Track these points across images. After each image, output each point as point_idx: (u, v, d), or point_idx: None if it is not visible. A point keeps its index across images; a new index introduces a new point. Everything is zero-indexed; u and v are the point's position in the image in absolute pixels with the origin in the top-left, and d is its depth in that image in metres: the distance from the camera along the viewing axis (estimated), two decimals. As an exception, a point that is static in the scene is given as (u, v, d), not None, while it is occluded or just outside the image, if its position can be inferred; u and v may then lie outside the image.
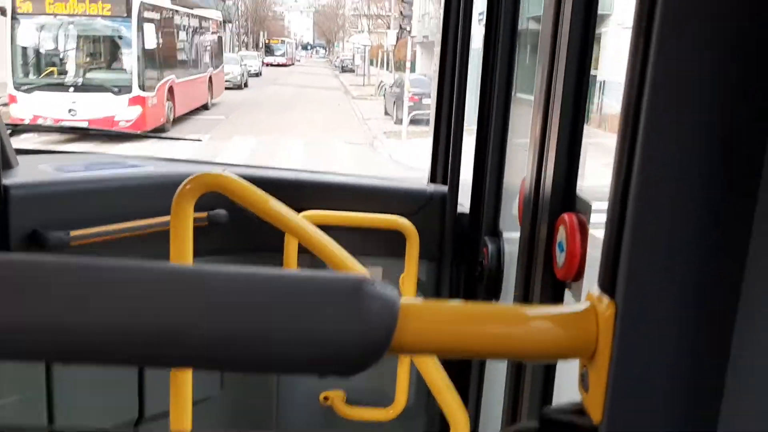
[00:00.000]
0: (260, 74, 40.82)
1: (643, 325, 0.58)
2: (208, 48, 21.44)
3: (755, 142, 0.56)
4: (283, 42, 63.76)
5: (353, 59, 51.56)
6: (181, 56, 18.23)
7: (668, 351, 0.59)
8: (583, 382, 0.62)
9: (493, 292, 1.84)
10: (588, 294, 0.62)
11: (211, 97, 21.45)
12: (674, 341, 0.59)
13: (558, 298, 1.34)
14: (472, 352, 0.60)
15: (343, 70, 51.96)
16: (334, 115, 22.36)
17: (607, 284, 0.60)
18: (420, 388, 2.09)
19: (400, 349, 0.56)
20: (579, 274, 1.24)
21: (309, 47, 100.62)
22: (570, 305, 0.62)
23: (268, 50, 62.52)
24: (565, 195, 1.29)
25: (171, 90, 16.45)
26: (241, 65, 31.39)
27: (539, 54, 1.34)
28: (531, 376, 1.38)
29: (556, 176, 1.28)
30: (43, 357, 0.55)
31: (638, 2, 0.58)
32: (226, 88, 25.33)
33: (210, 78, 21.22)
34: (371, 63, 40.45)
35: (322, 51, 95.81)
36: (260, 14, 78.63)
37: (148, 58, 14.94)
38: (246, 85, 31.77)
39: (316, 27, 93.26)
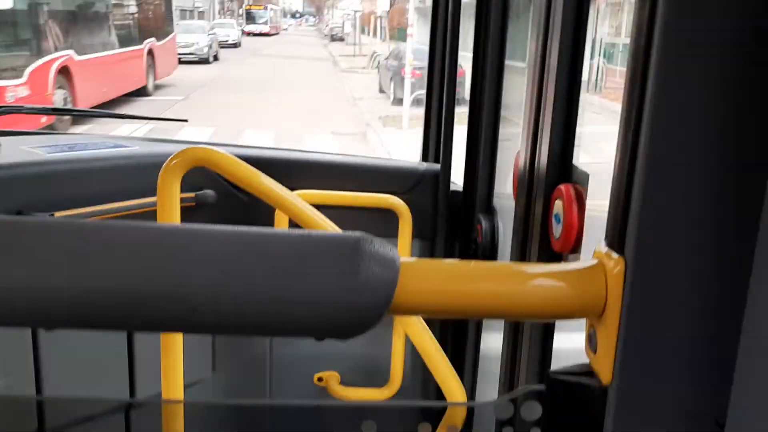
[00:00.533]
0: (239, 45, 36.31)
1: (653, 281, 0.56)
2: (145, 13, 16.10)
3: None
4: (266, 8, 55.00)
5: (343, 27, 46.70)
6: (86, 24, 12.88)
7: (680, 308, 0.57)
8: (591, 342, 0.60)
9: None
10: (595, 251, 0.60)
11: (154, 78, 16.30)
12: (686, 297, 0.56)
13: None
14: (474, 311, 0.58)
15: (333, 39, 48.24)
16: (320, 91, 18.63)
17: (616, 240, 0.58)
18: (415, 366, 2.08)
19: (401, 309, 0.54)
20: (576, 246, 1.22)
21: (298, 15, 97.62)
22: (577, 262, 0.59)
23: (249, 18, 54.74)
24: (562, 165, 1.26)
25: (66, 72, 11.52)
26: (208, 34, 26.56)
27: (532, 20, 1.32)
28: (528, 342, 1.36)
29: (551, 147, 1.25)
30: (25, 321, 0.52)
31: None
32: (190, 62, 22.73)
33: (149, 51, 15.73)
34: (363, 31, 37.33)
35: (312, 19, 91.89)
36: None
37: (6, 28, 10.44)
38: (216, 57, 27.26)
39: None
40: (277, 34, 56.84)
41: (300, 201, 1.43)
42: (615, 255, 0.57)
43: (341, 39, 44.96)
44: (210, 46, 26.20)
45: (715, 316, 0.57)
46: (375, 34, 39.69)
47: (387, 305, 0.51)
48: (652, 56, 0.54)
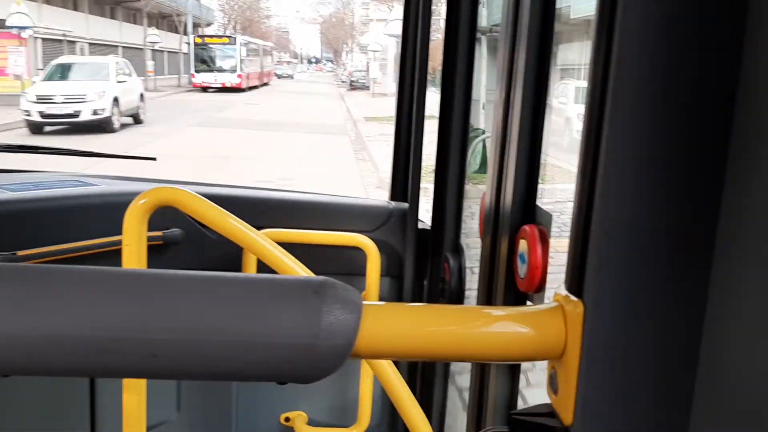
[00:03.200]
0: (139, 119, 18.28)
1: (611, 324, 0.58)
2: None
3: (717, 141, 0.57)
4: (232, 42, 34.37)
5: (368, 72, 33.70)
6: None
7: (637, 350, 0.58)
8: (552, 383, 0.62)
9: None
10: (556, 294, 0.62)
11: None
12: (643, 340, 0.58)
13: None
14: (437, 355, 0.59)
15: (353, 86, 37.37)
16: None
17: (575, 284, 0.59)
18: (383, 406, 2.06)
19: (364, 353, 0.54)
20: (541, 285, 1.24)
21: (314, 60, 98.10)
22: (537, 305, 0.61)
23: (202, 60, 33.74)
24: (526, 206, 1.29)
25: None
26: (118, 81, 17.12)
27: (497, 65, 1.35)
28: (495, 383, 1.37)
29: (516, 188, 1.28)
30: None
31: (599, 8, 0.58)
32: (57, 131, 15.41)
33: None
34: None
35: (330, 64, 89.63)
36: (246, 15, 62.92)
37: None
38: (139, 119, 18.02)
39: (323, 38, 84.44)
40: (264, 84, 39.79)
41: (267, 241, 1.43)
42: (574, 298, 0.59)
43: (364, 87, 34.23)
44: (116, 102, 16.62)
45: (673, 357, 0.59)
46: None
47: (349, 349, 0.51)
48: (605, 113, 0.57)
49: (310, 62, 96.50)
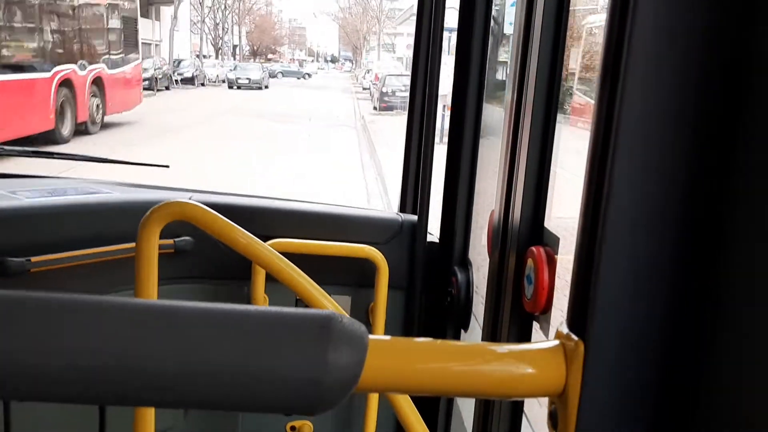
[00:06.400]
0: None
1: (612, 364, 0.59)
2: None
3: (714, 185, 0.57)
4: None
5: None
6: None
7: (637, 389, 0.59)
8: (552, 419, 0.63)
9: (461, 323, 1.84)
10: (557, 332, 0.63)
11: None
12: (643, 382, 0.59)
13: (526, 330, 1.34)
14: (440, 391, 0.60)
15: (386, 104, 21.57)
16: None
17: (576, 324, 0.60)
18: (388, 416, 2.07)
19: (368, 388, 0.55)
20: (547, 307, 1.25)
21: (329, 59, 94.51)
22: (538, 342, 0.62)
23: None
24: (533, 228, 1.30)
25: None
26: None
27: (507, 89, 1.36)
28: (499, 411, 1.38)
29: (524, 209, 1.29)
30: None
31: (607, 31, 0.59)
32: None
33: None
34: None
35: (349, 64, 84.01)
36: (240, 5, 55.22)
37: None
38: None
39: (340, 32, 75.84)
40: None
41: (276, 255, 1.45)
42: (575, 337, 0.60)
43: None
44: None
45: (673, 396, 0.60)
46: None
47: (354, 384, 0.53)
48: (609, 155, 0.58)
49: (331, 61, 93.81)
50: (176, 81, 32.12)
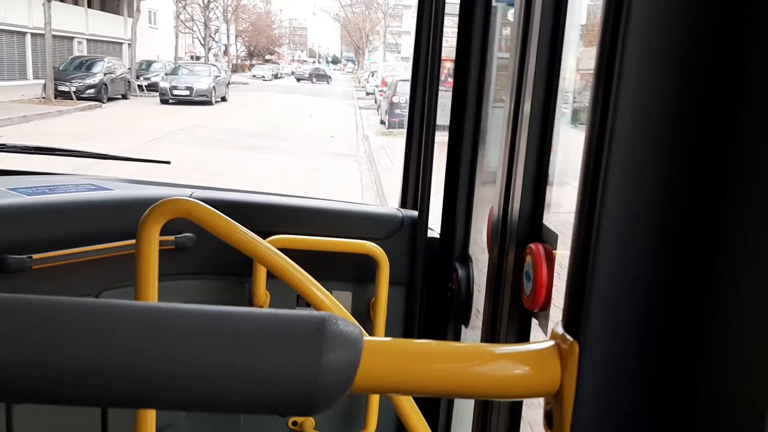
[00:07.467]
0: None
1: (606, 365, 0.59)
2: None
3: (710, 185, 0.58)
4: None
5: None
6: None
7: (632, 391, 0.60)
8: (548, 419, 0.63)
9: (462, 318, 1.84)
10: (552, 332, 0.63)
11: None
12: (638, 381, 0.60)
13: (525, 327, 1.35)
14: (435, 392, 0.60)
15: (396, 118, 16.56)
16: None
17: (571, 325, 0.61)
18: (390, 410, 2.08)
19: (363, 389, 0.56)
20: (546, 304, 1.25)
21: (332, 60, 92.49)
22: (533, 343, 0.62)
23: None
24: (532, 225, 1.30)
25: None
26: None
27: (507, 88, 1.36)
28: (498, 410, 1.38)
29: (523, 206, 1.29)
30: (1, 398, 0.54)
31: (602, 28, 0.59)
32: None
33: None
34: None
35: (351, 65, 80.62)
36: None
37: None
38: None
39: (342, 32, 70.86)
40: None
41: (276, 252, 1.45)
42: (570, 338, 0.60)
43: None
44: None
45: (669, 397, 0.60)
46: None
47: (349, 385, 0.53)
48: (603, 159, 0.58)
49: (327, 62, 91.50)
50: (141, 87, 26.35)
